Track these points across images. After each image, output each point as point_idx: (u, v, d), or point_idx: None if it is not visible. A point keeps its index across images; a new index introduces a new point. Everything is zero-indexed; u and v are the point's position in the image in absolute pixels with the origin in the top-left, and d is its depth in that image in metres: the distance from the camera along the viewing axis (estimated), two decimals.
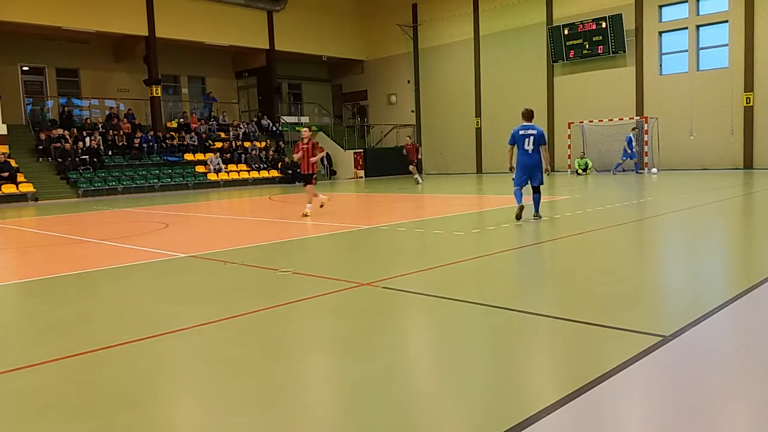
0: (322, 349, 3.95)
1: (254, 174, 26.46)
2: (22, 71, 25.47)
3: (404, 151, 22.63)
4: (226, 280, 6.05)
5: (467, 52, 29.75)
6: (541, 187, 9.72)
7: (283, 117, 31.43)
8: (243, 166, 26.67)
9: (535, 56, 27.47)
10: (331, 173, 30.06)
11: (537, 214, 9.58)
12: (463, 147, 30.52)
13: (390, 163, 30.86)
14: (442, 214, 11.79)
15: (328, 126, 33.32)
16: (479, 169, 30.07)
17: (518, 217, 9.38)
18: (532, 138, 9.32)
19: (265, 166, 27.23)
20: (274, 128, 30.29)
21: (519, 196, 9.58)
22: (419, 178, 22.22)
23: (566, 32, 26.16)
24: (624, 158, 22.85)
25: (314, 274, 5.96)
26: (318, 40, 30.94)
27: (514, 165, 9.67)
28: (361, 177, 30.07)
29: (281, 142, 29.52)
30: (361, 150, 30.93)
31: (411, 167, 22.15)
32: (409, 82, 32.50)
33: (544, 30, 26.96)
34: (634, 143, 22.51)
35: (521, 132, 9.42)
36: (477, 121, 29.92)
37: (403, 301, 4.91)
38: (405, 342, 4.01)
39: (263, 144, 28.62)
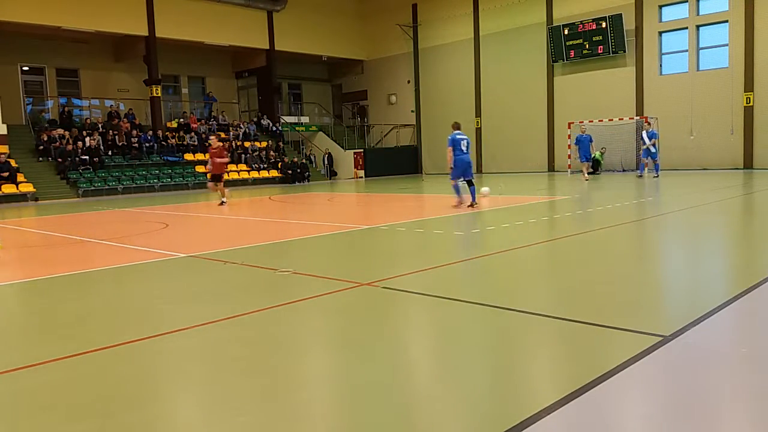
0: (323, 349, 3.95)
1: (254, 174, 26.47)
2: (22, 71, 25.47)
3: (208, 161, 15.98)
4: (227, 280, 6.05)
5: (467, 52, 29.76)
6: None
7: (283, 117, 31.44)
8: (243, 166, 26.66)
9: (535, 56, 27.48)
10: (332, 173, 30.07)
11: (474, 203, 11.76)
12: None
13: (390, 163, 30.91)
14: (442, 214, 11.78)
15: (328, 126, 33.34)
16: (479, 169, 30.08)
17: (458, 206, 11.79)
18: (466, 141, 11.88)
19: (265, 166, 27.25)
20: (274, 128, 30.31)
21: (458, 189, 11.99)
22: (223, 199, 15.42)
23: (566, 32, 26.17)
24: (645, 157, 20.19)
25: (314, 274, 5.96)
26: (318, 40, 30.94)
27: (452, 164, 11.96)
28: (361, 177, 30.08)
29: (281, 142, 29.54)
30: (361, 150, 30.94)
31: (211, 185, 15.99)
32: (409, 82, 32.50)
33: (544, 30, 26.97)
34: (646, 140, 19.82)
35: (458, 137, 11.88)
36: (477, 121, 29.94)
37: (404, 301, 4.91)
38: (405, 342, 4.01)
39: (263, 144, 28.63)
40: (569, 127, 25.43)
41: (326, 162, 30.12)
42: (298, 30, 30.05)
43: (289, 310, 4.73)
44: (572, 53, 26.18)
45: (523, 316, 4.26)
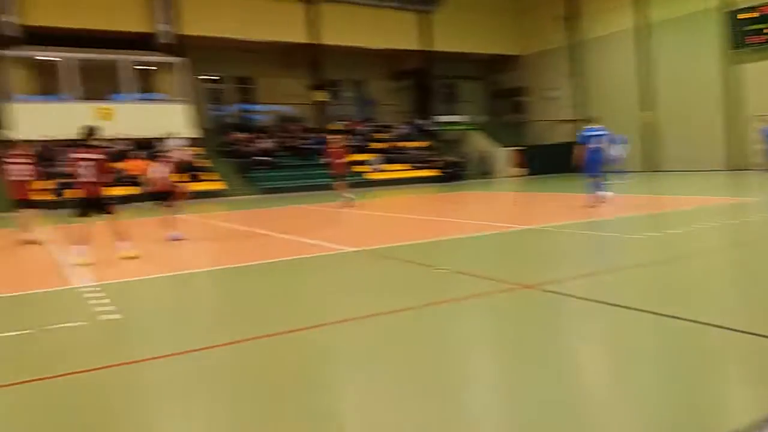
0: (482, 349, 3.96)
1: (410, 173, 27.08)
2: (208, 80, 28.56)
3: (329, 158, 15.53)
4: (388, 276, 6.29)
5: (633, 42, 27.71)
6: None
7: (438, 116, 31.76)
8: (400, 166, 27.41)
9: (710, 44, 24.79)
10: (488, 172, 29.79)
11: (602, 199, 11.69)
12: (630, 143, 28.53)
13: (550, 161, 29.78)
14: (611, 215, 11.14)
15: (483, 124, 33.08)
16: (648, 167, 27.92)
17: (593, 206, 11.43)
18: (600, 137, 11.69)
19: (420, 165, 27.74)
20: (430, 128, 30.74)
21: (595, 188, 11.64)
22: (350, 196, 15.23)
23: (746, 16, 23.25)
24: None
25: (472, 273, 5.98)
26: (474, 37, 30.83)
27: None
28: (520, 175, 29.41)
29: (437, 142, 29.90)
30: (519, 147, 30.25)
31: (337, 183, 15.09)
32: (569, 75, 31.11)
33: (721, 15, 24.23)
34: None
35: (590, 134, 11.69)
36: (644, 115, 27.79)
37: (569, 306, 4.75)
38: (569, 348, 3.88)
39: (419, 144, 29.18)
40: (756, 121, 22.58)
41: (482, 160, 29.89)
42: (454, 29, 30.18)
43: (448, 308, 4.81)
44: (755, 39, 23.19)
45: (704, 329, 3.91)
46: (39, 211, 10.79)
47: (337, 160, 14.72)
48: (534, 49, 32.49)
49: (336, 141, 14.90)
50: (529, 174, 29.01)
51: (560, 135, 31.74)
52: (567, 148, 30.78)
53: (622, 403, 2.91)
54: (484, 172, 29.62)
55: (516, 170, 29.47)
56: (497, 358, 3.72)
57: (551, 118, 31.93)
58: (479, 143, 31.07)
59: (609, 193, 12.18)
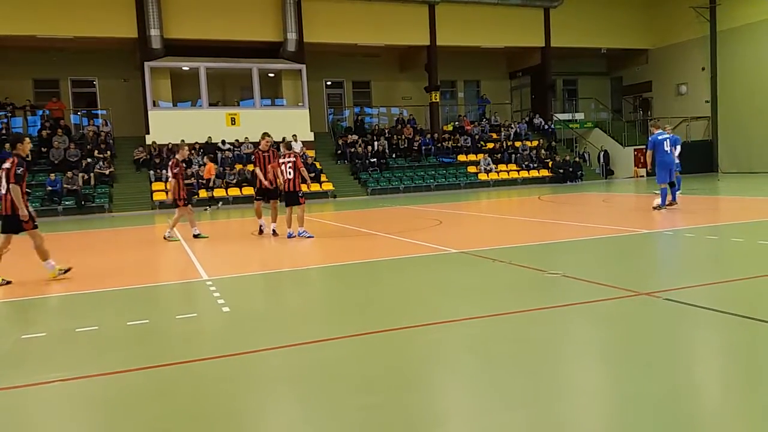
0: (594, 357, 3.76)
1: (523, 173, 26.38)
2: (326, 85, 29.59)
3: (255, 168, 10.90)
4: (495, 278, 6.17)
5: None
6: None
7: (556, 114, 30.64)
8: (513, 166, 26.78)
9: None
10: (608, 172, 28.30)
11: (674, 202, 11.98)
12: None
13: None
14: (743, 219, 10.17)
15: (605, 122, 31.44)
16: None
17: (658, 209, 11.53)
18: (669, 141, 11.70)
19: (535, 165, 26.93)
20: (546, 126, 29.74)
21: (665, 194, 11.60)
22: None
23: None
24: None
25: (585, 279, 5.70)
26: (597, 32, 29.36)
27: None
28: (643, 176, 27.66)
29: (553, 141, 28.87)
30: (643, 146, 28.40)
31: (259, 202, 10.97)
32: (703, 69, 28.71)
33: None
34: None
35: (660, 137, 11.62)
36: None
37: (690, 317, 4.38)
38: (691, 362, 3.58)
39: (534, 143, 28.33)
40: None
41: (602, 160, 28.44)
42: (577, 24, 28.91)
43: (558, 313, 4.62)
44: None
45: None
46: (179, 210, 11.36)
47: (265, 168, 10.48)
48: (665, 42, 30.35)
49: (265, 149, 10.72)
50: (654, 175, 27.17)
51: (692, 133, 29.47)
52: (699, 146, 28.59)
53: (745, 423, 2.64)
54: (604, 172, 28.18)
55: (640, 170, 27.75)
56: (609, 368, 3.51)
57: (681, 115, 29.70)
58: (600, 142, 29.60)
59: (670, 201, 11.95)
